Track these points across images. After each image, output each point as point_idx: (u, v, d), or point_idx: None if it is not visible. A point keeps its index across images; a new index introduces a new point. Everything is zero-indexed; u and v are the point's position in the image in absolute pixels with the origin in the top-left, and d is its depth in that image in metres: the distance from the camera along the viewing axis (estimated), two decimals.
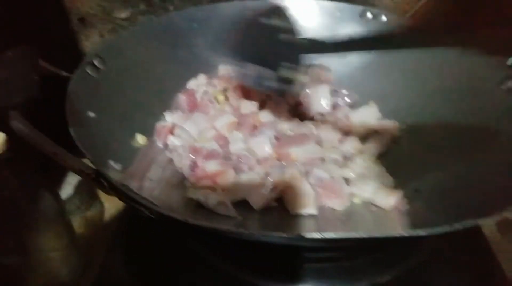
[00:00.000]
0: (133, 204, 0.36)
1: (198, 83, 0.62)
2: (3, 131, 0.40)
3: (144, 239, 0.53)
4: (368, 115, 0.58)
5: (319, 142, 0.54)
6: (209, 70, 0.64)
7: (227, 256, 0.50)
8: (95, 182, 0.37)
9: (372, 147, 0.54)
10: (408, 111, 0.57)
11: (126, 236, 0.55)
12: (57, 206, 0.51)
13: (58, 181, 0.67)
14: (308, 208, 0.46)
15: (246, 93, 0.60)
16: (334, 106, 0.61)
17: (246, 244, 0.44)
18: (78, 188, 0.69)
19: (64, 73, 0.48)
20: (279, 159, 0.51)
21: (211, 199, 0.45)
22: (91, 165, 0.39)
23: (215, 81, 0.62)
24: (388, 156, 0.55)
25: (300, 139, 0.52)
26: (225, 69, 0.64)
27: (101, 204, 0.67)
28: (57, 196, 0.49)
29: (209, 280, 0.49)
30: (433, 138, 0.53)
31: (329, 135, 0.54)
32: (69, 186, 0.67)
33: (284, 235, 0.32)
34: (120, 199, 0.38)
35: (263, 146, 0.51)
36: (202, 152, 0.51)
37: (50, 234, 0.50)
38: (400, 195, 0.47)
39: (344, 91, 0.62)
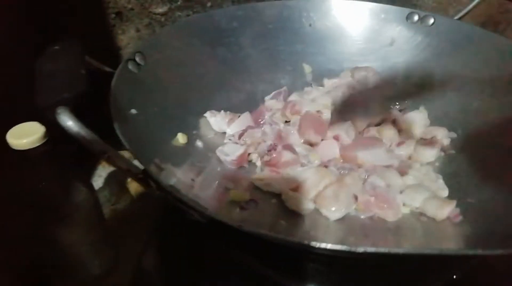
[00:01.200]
0: (181, 206, 0.35)
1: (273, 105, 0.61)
2: (42, 124, 0.40)
3: (177, 234, 0.53)
4: (418, 121, 0.55)
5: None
6: (248, 70, 0.63)
7: (267, 261, 0.48)
8: (143, 182, 0.36)
9: (425, 153, 0.51)
10: (460, 117, 0.55)
11: (160, 232, 0.55)
12: (92, 199, 0.51)
13: (89, 173, 0.67)
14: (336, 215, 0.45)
15: None
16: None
17: (292, 251, 0.42)
18: (108, 181, 0.69)
19: (107, 69, 0.47)
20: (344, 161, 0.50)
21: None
22: (137, 163, 0.38)
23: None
24: (437, 163, 0.53)
25: (369, 142, 0.51)
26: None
27: (131, 196, 0.67)
28: (91, 188, 0.49)
29: (244, 280, 0.48)
30: (490, 149, 0.50)
31: (388, 138, 0.53)
32: (99, 179, 0.67)
33: (345, 248, 0.30)
34: (167, 200, 0.36)
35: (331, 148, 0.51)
36: (284, 140, 0.52)
37: (83, 227, 0.49)
38: (453, 206, 0.45)
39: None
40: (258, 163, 0.53)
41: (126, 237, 0.59)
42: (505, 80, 0.53)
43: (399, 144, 0.52)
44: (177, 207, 0.36)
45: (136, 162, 0.38)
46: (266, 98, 0.62)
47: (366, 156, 0.50)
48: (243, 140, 0.53)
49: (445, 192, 0.48)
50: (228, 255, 0.50)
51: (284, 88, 0.62)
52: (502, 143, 0.50)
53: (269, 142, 0.53)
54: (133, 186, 0.69)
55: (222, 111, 0.56)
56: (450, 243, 0.43)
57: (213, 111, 0.56)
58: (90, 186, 0.52)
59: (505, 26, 0.72)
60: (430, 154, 0.52)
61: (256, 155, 0.53)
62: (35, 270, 0.52)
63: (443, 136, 0.53)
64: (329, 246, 0.30)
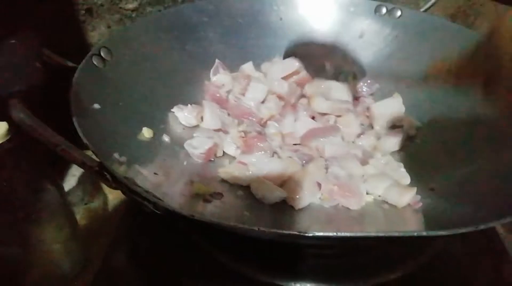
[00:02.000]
0: (136, 198, 0.35)
1: (221, 79, 0.61)
2: (5, 120, 0.39)
3: (148, 233, 0.53)
4: (391, 108, 0.56)
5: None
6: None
7: (231, 251, 0.49)
8: (98, 175, 0.36)
9: (389, 143, 0.52)
10: (426, 107, 0.56)
11: (130, 229, 0.55)
12: (60, 197, 0.50)
13: (62, 172, 0.67)
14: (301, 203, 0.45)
15: None
16: (356, 97, 0.60)
17: (253, 240, 0.42)
18: (82, 180, 0.69)
19: (70, 64, 0.46)
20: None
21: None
22: (95, 157, 0.38)
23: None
24: (402, 152, 0.53)
25: (327, 130, 0.52)
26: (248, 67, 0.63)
27: (105, 196, 0.67)
28: (60, 187, 0.48)
29: (212, 275, 0.48)
30: (450, 135, 0.51)
31: (349, 129, 0.53)
32: (72, 178, 0.67)
33: (297, 233, 0.31)
34: (123, 193, 0.36)
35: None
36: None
37: (52, 226, 0.49)
38: (414, 193, 0.45)
39: (368, 81, 0.61)
40: (231, 152, 0.53)
41: (99, 236, 0.59)
42: (468, 71, 0.54)
43: (359, 135, 0.53)
44: (133, 199, 0.35)
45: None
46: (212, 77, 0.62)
47: (322, 144, 0.50)
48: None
49: (407, 180, 0.48)
50: (198, 251, 0.50)
51: (217, 60, 0.62)
52: (466, 132, 0.51)
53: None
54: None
55: (189, 105, 0.56)
56: (411, 228, 0.43)
57: (180, 105, 0.56)
58: (58, 185, 0.51)
59: (474, 18, 0.72)
60: (394, 143, 0.52)
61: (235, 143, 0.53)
62: (5, 269, 0.51)
63: (409, 126, 0.54)
64: (273, 230, 0.30)
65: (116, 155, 0.42)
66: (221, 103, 0.58)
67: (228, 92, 0.60)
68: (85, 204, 0.67)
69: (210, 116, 0.56)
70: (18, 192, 0.45)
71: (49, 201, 0.49)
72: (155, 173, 0.45)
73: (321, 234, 0.31)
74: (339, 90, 0.58)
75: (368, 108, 0.58)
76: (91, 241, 0.59)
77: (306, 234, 0.31)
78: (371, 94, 0.61)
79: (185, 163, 0.51)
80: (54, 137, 0.34)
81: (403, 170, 0.49)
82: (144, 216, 0.55)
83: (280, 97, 0.58)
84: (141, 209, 0.54)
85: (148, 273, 0.49)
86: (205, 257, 0.49)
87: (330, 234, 0.31)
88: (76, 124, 0.39)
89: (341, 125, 0.54)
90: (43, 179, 0.49)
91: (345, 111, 0.55)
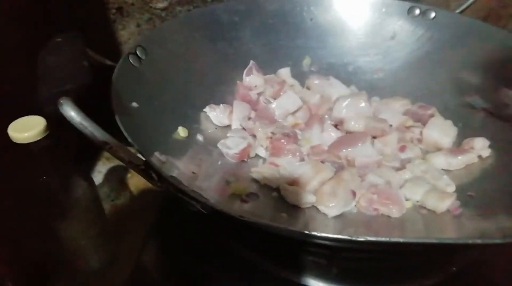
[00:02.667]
0: (184, 197, 0.35)
1: (253, 80, 0.60)
2: (44, 118, 0.40)
3: (177, 230, 0.53)
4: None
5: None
6: (247, 64, 0.62)
7: (263, 251, 0.49)
8: (145, 174, 0.36)
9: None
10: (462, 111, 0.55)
11: (159, 226, 0.55)
12: (92, 194, 0.51)
13: (89, 169, 0.67)
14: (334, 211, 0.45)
15: None
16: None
17: (285, 242, 0.43)
18: (108, 177, 0.70)
19: (109, 62, 0.47)
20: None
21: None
22: (139, 156, 0.38)
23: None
24: None
25: (355, 140, 0.51)
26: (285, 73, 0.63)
27: (131, 193, 0.68)
28: (92, 183, 0.49)
29: (244, 278, 0.48)
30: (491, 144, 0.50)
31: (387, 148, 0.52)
32: (99, 174, 0.67)
33: (348, 237, 0.30)
34: (169, 191, 0.36)
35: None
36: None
37: (83, 222, 0.50)
38: (454, 198, 0.45)
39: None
40: (262, 153, 0.53)
41: (126, 233, 0.60)
42: (507, 73, 0.53)
43: (401, 148, 0.52)
44: (179, 198, 0.36)
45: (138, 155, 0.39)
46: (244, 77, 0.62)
47: (351, 154, 0.49)
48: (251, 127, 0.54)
49: (451, 188, 0.47)
50: (228, 249, 0.50)
51: (251, 61, 0.62)
52: (503, 139, 0.50)
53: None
54: (133, 182, 0.69)
55: (221, 105, 0.56)
56: (450, 235, 0.43)
57: (212, 105, 0.56)
58: (91, 181, 0.52)
59: (506, 21, 0.72)
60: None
61: (262, 145, 0.53)
62: (36, 263, 0.52)
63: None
64: (330, 235, 0.30)
65: (157, 154, 0.42)
66: (252, 104, 0.58)
67: (260, 94, 0.60)
68: (112, 200, 0.67)
69: (239, 116, 0.56)
70: (53, 188, 0.45)
71: (81, 197, 0.49)
72: (193, 172, 0.45)
73: (374, 239, 0.30)
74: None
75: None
76: (119, 237, 0.59)
77: (358, 239, 0.30)
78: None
79: (219, 162, 0.51)
80: (103, 136, 0.34)
81: (446, 177, 0.48)
82: (172, 212, 0.55)
83: (309, 108, 0.57)
84: (168, 205, 0.55)
85: (176, 273, 0.49)
86: (234, 257, 0.49)
87: (383, 239, 0.30)
88: (119, 122, 0.39)
89: (381, 143, 0.52)
90: (76, 175, 0.50)
91: (382, 132, 0.53)
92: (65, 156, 0.46)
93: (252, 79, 0.60)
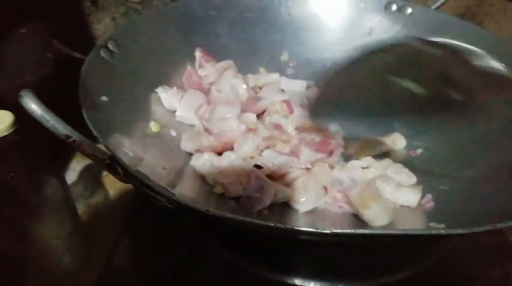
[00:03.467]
0: (149, 192, 0.34)
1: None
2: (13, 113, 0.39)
3: (152, 229, 0.53)
4: None
5: None
6: (224, 59, 0.62)
7: (238, 248, 0.48)
8: (110, 168, 0.35)
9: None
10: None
11: (134, 225, 0.54)
12: (63, 192, 0.50)
13: (62, 167, 0.66)
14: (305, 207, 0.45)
15: None
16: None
17: (261, 238, 0.42)
18: (83, 175, 0.68)
19: (78, 55, 0.46)
20: None
21: None
22: (105, 150, 0.37)
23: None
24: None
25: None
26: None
27: (106, 191, 0.66)
28: (63, 182, 0.48)
29: (217, 272, 0.48)
30: (463, 138, 0.50)
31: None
32: (73, 173, 0.66)
33: (314, 230, 0.30)
34: (134, 186, 0.36)
35: None
36: None
37: (54, 221, 0.49)
38: (420, 190, 0.45)
39: None
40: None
41: (100, 232, 0.59)
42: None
43: None
44: (145, 193, 0.35)
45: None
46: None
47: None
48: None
49: (412, 179, 0.47)
50: (203, 248, 0.50)
51: (197, 51, 0.61)
52: (474, 131, 0.50)
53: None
54: (108, 181, 0.68)
55: (174, 87, 0.54)
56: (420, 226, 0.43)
57: (165, 86, 0.55)
58: (62, 179, 0.50)
59: (482, 18, 0.72)
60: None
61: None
62: (5, 264, 0.51)
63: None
64: (296, 228, 0.30)
65: (125, 149, 0.41)
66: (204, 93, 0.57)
67: (211, 83, 0.59)
68: (86, 199, 0.66)
69: (192, 105, 0.54)
70: (22, 186, 0.44)
71: (52, 195, 0.48)
72: (163, 168, 0.44)
73: (339, 231, 0.30)
74: None
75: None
76: (92, 236, 0.58)
77: (324, 232, 0.30)
78: None
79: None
80: (65, 129, 0.33)
81: (406, 169, 0.48)
82: (147, 211, 0.54)
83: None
84: (144, 204, 0.55)
85: (152, 270, 0.49)
86: (210, 254, 0.49)
87: (349, 231, 0.30)
88: (85, 116, 0.39)
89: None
90: (46, 173, 0.49)
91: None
92: (35, 153, 0.45)
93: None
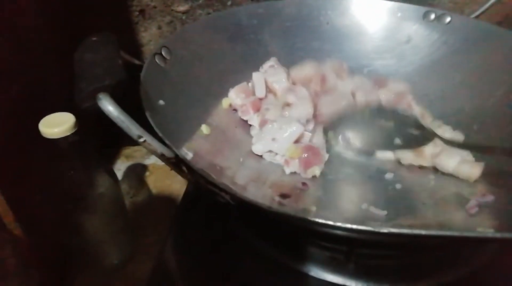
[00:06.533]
0: (214, 189, 0.36)
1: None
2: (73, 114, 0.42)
3: (200, 229, 0.54)
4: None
5: None
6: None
7: (288, 248, 0.50)
8: (176, 167, 0.38)
9: None
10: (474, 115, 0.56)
11: (182, 223, 0.56)
12: (115, 189, 0.53)
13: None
14: None
15: None
16: None
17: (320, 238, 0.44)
18: (127, 174, 0.72)
19: (137, 61, 0.49)
20: None
21: None
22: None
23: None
24: None
25: None
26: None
27: (149, 190, 0.69)
28: (116, 179, 0.51)
29: (267, 274, 0.49)
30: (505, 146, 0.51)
31: None
32: (118, 172, 0.69)
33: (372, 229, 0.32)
34: (198, 184, 0.38)
35: None
36: None
37: (106, 217, 0.51)
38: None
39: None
40: None
41: (144, 229, 0.61)
42: None
43: None
44: (208, 190, 0.37)
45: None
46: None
47: None
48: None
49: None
50: (250, 246, 0.51)
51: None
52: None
53: None
54: (151, 180, 0.71)
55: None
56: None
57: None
58: (115, 177, 0.53)
59: None
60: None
61: None
62: (60, 255, 0.54)
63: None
64: (348, 226, 0.31)
65: (184, 149, 0.43)
66: None
67: None
68: (130, 197, 0.69)
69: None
70: (80, 183, 0.47)
71: (106, 192, 0.51)
72: (219, 167, 0.46)
73: (396, 230, 0.32)
74: None
75: None
76: (137, 233, 0.61)
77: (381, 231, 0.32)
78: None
79: (241, 159, 0.52)
80: (138, 129, 0.36)
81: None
82: (195, 210, 0.57)
83: None
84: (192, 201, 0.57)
85: (194, 269, 0.51)
86: (254, 253, 0.50)
87: (405, 231, 0.32)
88: (149, 118, 0.41)
89: None
90: (101, 171, 0.52)
91: None
92: (91, 152, 0.48)
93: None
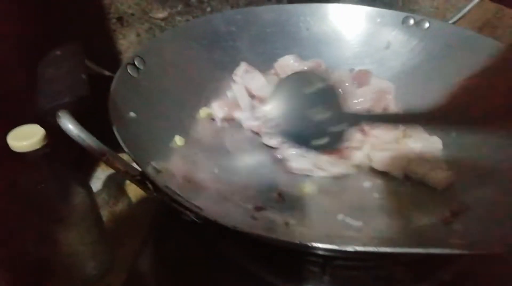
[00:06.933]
0: (178, 207, 0.35)
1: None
2: (43, 127, 0.41)
3: (176, 238, 0.54)
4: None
5: None
6: None
7: (261, 261, 0.49)
8: (140, 184, 0.37)
9: None
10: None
11: (158, 233, 0.56)
12: (89, 200, 0.52)
13: (87, 176, 0.68)
14: None
15: None
16: None
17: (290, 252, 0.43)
18: (107, 183, 0.71)
19: (107, 73, 0.48)
20: None
21: None
22: (135, 166, 0.39)
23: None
24: None
25: None
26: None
27: (129, 199, 0.68)
28: (90, 191, 0.50)
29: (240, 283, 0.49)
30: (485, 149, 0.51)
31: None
32: (98, 181, 0.68)
33: (337, 247, 0.31)
34: (164, 202, 0.37)
35: None
36: None
37: (80, 228, 0.51)
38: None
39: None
40: None
41: (123, 239, 0.61)
42: (499, 83, 0.54)
43: None
44: (173, 208, 0.36)
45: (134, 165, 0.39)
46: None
47: None
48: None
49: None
50: (227, 258, 0.51)
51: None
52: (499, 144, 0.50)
53: None
54: (131, 189, 0.70)
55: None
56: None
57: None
58: (88, 188, 0.53)
59: (502, 31, 0.72)
60: None
61: None
62: (32, 269, 0.53)
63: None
64: (317, 245, 0.31)
65: (153, 163, 0.43)
66: None
67: None
68: (110, 207, 0.68)
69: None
70: (50, 195, 0.46)
71: (78, 204, 0.50)
72: (188, 181, 0.46)
73: (362, 249, 0.31)
74: None
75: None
76: (116, 243, 0.60)
77: (346, 250, 0.31)
78: None
79: (216, 171, 0.52)
80: (100, 147, 0.35)
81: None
82: (171, 219, 0.56)
83: None
84: (170, 215, 0.56)
85: (172, 279, 0.50)
86: (230, 265, 0.50)
87: (371, 249, 0.31)
88: (116, 132, 0.40)
89: None
90: (74, 183, 0.51)
91: None
92: (63, 164, 0.47)
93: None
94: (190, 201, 0.35)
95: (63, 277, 0.53)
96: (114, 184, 0.72)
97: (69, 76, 0.37)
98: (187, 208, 0.35)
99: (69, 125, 0.34)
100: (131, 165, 0.37)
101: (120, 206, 0.69)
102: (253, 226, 0.44)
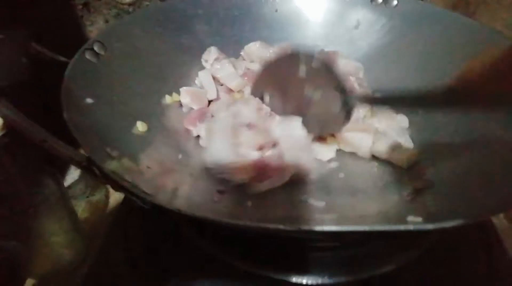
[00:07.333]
0: (125, 192, 0.35)
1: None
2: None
3: (143, 226, 0.53)
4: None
5: None
6: None
7: (224, 244, 0.49)
8: (87, 170, 0.36)
9: None
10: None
11: (125, 222, 0.54)
12: (58, 192, 0.51)
13: (64, 166, 0.68)
14: None
15: None
16: None
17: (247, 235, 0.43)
18: (84, 173, 0.70)
19: (62, 58, 0.47)
20: None
21: None
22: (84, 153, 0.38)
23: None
24: None
25: None
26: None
27: (106, 189, 0.68)
28: (58, 181, 0.49)
29: (203, 269, 0.49)
30: (450, 129, 0.50)
31: None
32: (75, 171, 0.67)
33: (283, 227, 0.31)
34: (112, 187, 0.36)
35: None
36: None
37: (51, 219, 0.50)
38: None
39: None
40: None
41: (100, 228, 0.60)
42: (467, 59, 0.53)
43: None
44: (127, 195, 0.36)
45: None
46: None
47: None
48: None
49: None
50: (195, 246, 0.50)
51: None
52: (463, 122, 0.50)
53: None
54: None
55: None
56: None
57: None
58: (57, 179, 0.52)
59: (475, 7, 0.71)
60: None
61: None
62: (4, 262, 0.52)
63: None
64: (261, 224, 0.30)
65: (108, 150, 0.42)
66: None
67: None
68: (87, 197, 0.68)
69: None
70: (15, 186, 0.46)
71: (47, 195, 0.50)
72: (148, 167, 0.45)
73: (307, 228, 0.31)
74: None
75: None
76: (93, 233, 0.60)
77: (293, 229, 0.31)
78: None
79: (180, 156, 0.51)
80: (40, 132, 0.34)
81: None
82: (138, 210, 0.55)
83: None
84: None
85: (140, 269, 0.50)
86: (195, 250, 0.49)
87: (317, 228, 0.31)
88: (66, 118, 0.39)
89: None
90: (41, 173, 0.50)
91: None
92: (28, 155, 0.46)
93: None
94: (137, 186, 0.35)
95: (37, 267, 0.54)
96: None
97: (8, 61, 0.36)
98: (133, 194, 0.34)
99: (4, 110, 0.33)
100: (76, 151, 0.36)
101: (97, 197, 0.68)
102: (215, 210, 0.43)
